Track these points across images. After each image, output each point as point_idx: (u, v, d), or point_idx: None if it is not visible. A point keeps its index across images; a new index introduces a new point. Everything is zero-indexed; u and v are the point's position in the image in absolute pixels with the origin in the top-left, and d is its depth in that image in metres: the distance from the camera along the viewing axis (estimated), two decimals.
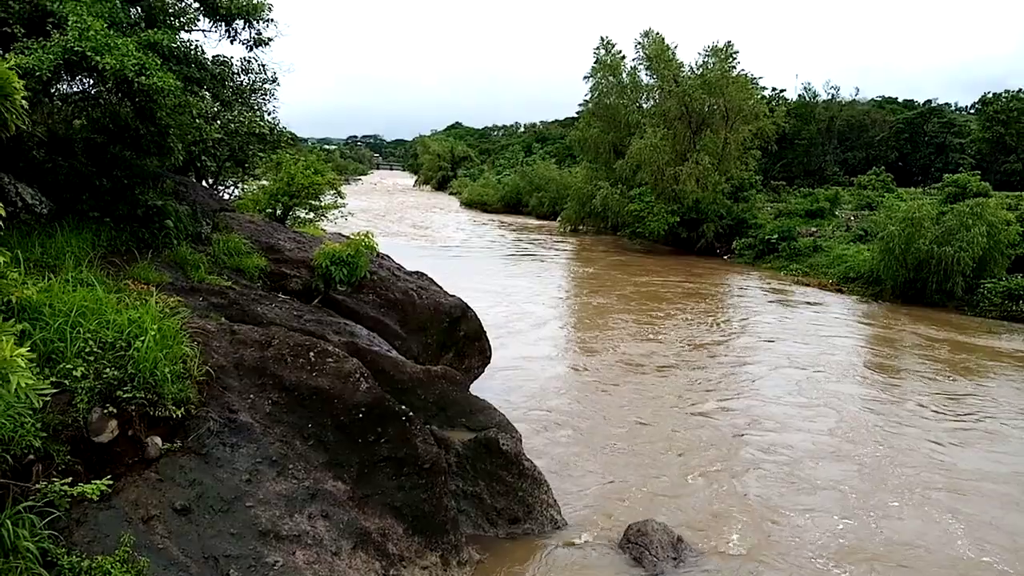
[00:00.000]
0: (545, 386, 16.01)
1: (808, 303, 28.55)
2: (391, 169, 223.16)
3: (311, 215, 19.96)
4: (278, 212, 18.15)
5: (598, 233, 53.64)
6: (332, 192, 19.94)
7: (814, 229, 41.46)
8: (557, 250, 44.39)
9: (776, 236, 39.08)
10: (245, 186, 20.22)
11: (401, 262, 15.50)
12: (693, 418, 14.56)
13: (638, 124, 48.50)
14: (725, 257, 41.84)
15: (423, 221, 59.82)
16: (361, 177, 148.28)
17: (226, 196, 19.27)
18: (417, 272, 14.96)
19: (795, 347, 20.96)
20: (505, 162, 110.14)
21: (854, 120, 74.74)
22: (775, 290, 31.31)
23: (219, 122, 15.08)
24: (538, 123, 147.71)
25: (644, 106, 51.53)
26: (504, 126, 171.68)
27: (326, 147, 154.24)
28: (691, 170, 43.60)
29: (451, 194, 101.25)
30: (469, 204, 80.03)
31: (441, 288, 14.58)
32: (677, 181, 43.92)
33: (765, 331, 22.97)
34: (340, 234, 16.82)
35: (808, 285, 32.64)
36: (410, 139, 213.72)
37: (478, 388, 13.52)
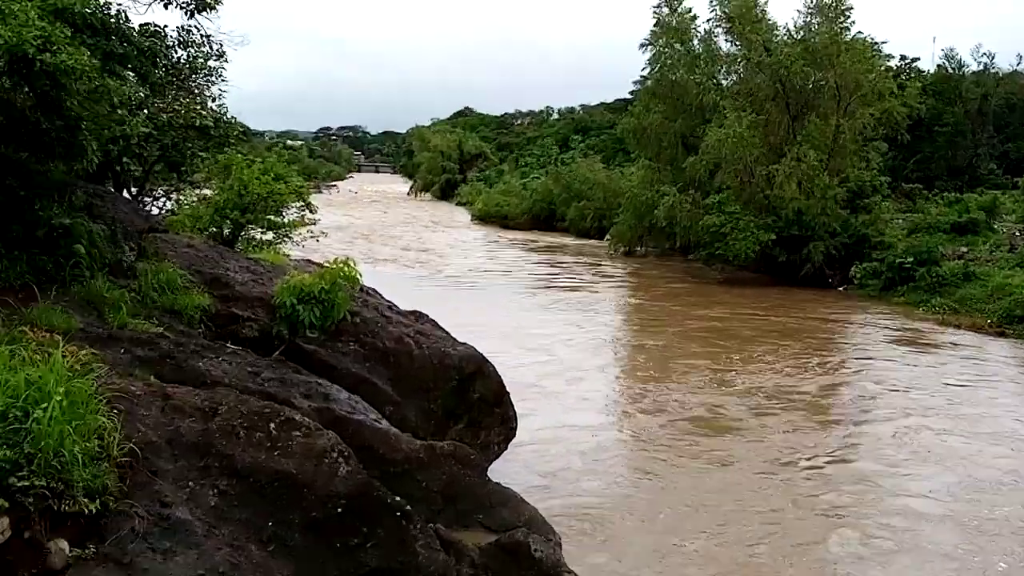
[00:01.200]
0: (589, 465, 16.28)
1: (955, 349, 28.48)
2: (377, 171, 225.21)
3: (270, 236, 20.20)
4: (226, 232, 18.42)
5: (662, 256, 53.81)
6: (299, 204, 20.21)
7: (964, 249, 41.25)
8: (605, 279, 44.66)
9: (911, 259, 38.86)
10: (182, 197, 20.57)
11: (393, 299, 15.66)
12: (783, 502, 14.91)
13: (715, 107, 48.83)
14: (840, 288, 41.70)
15: (422, 242, 60.49)
16: (337, 183, 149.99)
17: (156, 211, 19.59)
18: (415, 312, 15.09)
19: (928, 406, 21.28)
20: (533, 160, 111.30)
21: (1016, 99, 74.45)
22: (908, 332, 31.25)
23: (147, 112, 15.40)
24: (577, 108, 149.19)
25: (723, 83, 51.92)
26: (531, 112, 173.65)
27: (290, 143, 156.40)
28: (790, 169, 43.69)
29: (459, 204, 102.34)
30: (484, 218, 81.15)
31: (448, 334, 14.69)
32: (771, 184, 44.01)
33: (888, 385, 23.40)
34: (310, 261, 17.04)
35: (957, 326, 32.37)
36: (403, 131, 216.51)
37: (500, 471, 13.53)
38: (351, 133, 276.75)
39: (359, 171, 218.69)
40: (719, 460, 16.85)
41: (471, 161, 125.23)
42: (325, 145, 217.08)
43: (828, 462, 17.02)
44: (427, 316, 15.23)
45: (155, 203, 20.23)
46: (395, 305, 15.11)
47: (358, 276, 12.67)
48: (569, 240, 65.52)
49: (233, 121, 18.13)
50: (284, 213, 19.88)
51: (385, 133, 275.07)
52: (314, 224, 21.66)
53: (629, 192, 55.06)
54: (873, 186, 47.24)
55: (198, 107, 16.34)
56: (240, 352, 11.09)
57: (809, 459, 17.06)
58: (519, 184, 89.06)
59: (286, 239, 20.80)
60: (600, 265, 50.51)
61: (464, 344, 14.27)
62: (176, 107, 15.83)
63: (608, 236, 58.38)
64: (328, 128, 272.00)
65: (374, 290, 15.29)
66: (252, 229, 19.42)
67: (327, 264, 13.09)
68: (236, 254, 15.35)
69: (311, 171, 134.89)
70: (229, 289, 12.65)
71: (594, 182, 68.95)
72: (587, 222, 67.29)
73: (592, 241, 63.07)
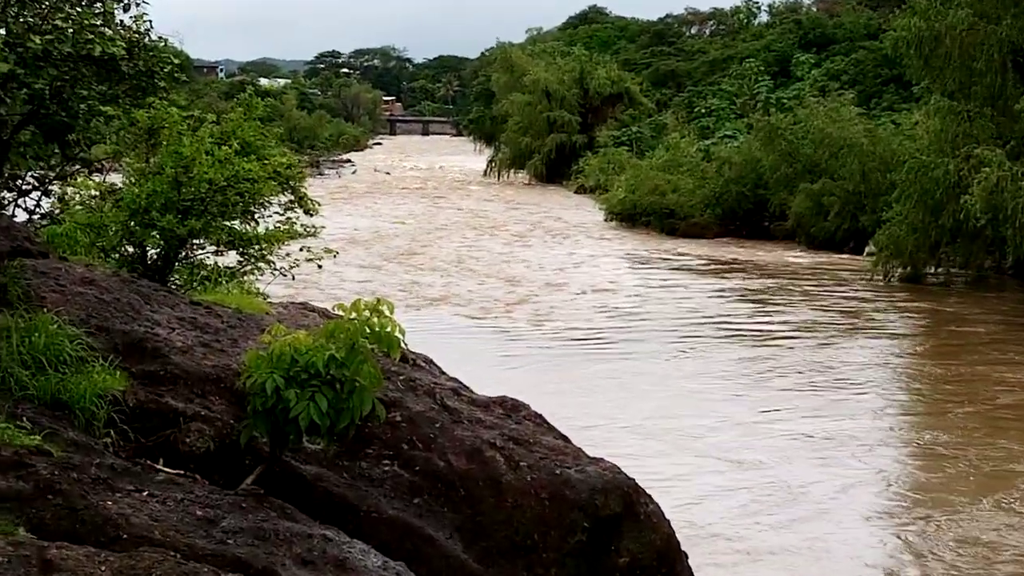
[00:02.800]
0: None
1: None
2: (426, 132, 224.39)
3: (234, 259, 20.35)
4: (153, 254, 18.63)
5: (975, 283, 52.91)
6: (286, 199, 20.36)
7: None
8: (856, 323, 44.66)
9: None
10: (70, 190, 20.82)
11: (463, 375, 15.68)
12: None
13: None
14: None
15: (513, 267, 60.53)
16: (351, 156, 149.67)
17: (24, 216, 19.92)
18: (504, 401, 14.94)
19: None
20: (721, 104, 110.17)
21: None
22: None
23: (5, 32, 15.69)
24: (804, 2, 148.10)
25: None
26: (714, 13, 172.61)
27: (265, 83, 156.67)
28: None
29: (581, 191, 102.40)
30: (629, 216, 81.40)
31: (567, 441, 14.54)
32: None
33: None
34: (307, 306, 17.13)
35: None
36: (474, 56, 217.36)
37: None
38: (377, 62, 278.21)
39: (393, 132, 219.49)
40: None
41: (602, 108, 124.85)
42: (329, 85, 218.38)
43: None
44: (526, 407, 15.03)
45: (22, 201, 20.54)
46: (466, 388, 15.10)
47: (398, 335, 12.53)
48: (794, 255, 64.78)
49: (162, 47, 18.38)
50: (258, 216, 20.15)
51: (440, 60, 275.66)
52: (313, 234, 21.80)
53: (911, 161, 54.41)
54: None
55: (98, 24, 16.58)
56: (181, 481, 11.14)
57: None
58: (696, 150, 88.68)
59: (262, 265, 21.04)
60: (850, 299, 49.89)
61: (597, 460, 14.13)
62: (59, 23, 16.08)
63: (870, 247, 57.62)
64: (334, 54, 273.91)
65: (428, 360, 15.27)
66: (200, 248, 19.78)
67: (339, 311, 12.89)
68: (172, 295, 15.45)
69: (304, 134, 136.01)
70: (160, 362, 12.71)
71: (843, 142, 68.35)
72: (829, 220, 66.84)
73: (838, 256, 62.45)
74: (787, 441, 27.70)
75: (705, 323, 44.76)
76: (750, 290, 53.17)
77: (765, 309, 48.04)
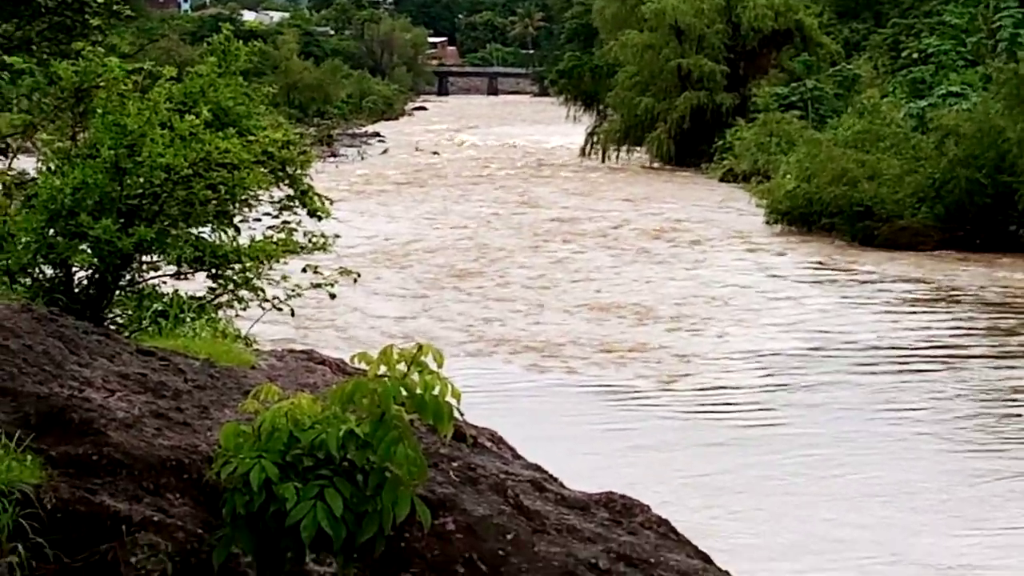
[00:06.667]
0: None
1: None
2: (493, 89, 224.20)
3: (204, 284, 20.46)
4: (81, 279, 18.79)
5: None
6: (283, 195, 20.53)
7: None
8: None
9: None
10: None
11: (546, 458, 15.75)
12: None
13: None
14: None
15: (628, 295, 61.08)
16: (379, 129, 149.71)
17: None
18: (611, 501, 14.95)
19: None
20: (944, 47, 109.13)
21: None
22: None
23: None
24: None
25: None
26: None
27: (244, 20, 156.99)
28: None
29: (726, 178, 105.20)
30: (803, 217, 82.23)
31: (703, 559, 14.50)
32: None
33: None
34: (310, 355, 17.24)
35: None
36: None
37: None
38: None
39: (444, 91, 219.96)
40: None
41: (761, 53, 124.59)
42: (347, 20, 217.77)
43: None
44: (644, 509, 14.92)
45: None
46: (553, 479, 15.11)
47: (451, 399, 12.46)
48: None
49: None
50: (240, 221, 20.13)
51: None
52: (323, 248, 21.96)
53: None
54: None
55: None
56: None
57: None
58: (905, 115, 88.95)
59: (245, 293, 21.26)
60: None
61: None
62: None
63: None
64: None
65: (495, 437, 15.33)
66: (153, 269, 19.96)
67: (361, 364, 12.79)
68: (111, 340, 15.56)
69: (311, 95, 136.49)
70: (92, 442, 12.61)
71: None
72: None
73: None
74: None
75: (912, 381, 44.52)
76: (984, 337, 52.73)
77: (1007, 368, 47.66)
